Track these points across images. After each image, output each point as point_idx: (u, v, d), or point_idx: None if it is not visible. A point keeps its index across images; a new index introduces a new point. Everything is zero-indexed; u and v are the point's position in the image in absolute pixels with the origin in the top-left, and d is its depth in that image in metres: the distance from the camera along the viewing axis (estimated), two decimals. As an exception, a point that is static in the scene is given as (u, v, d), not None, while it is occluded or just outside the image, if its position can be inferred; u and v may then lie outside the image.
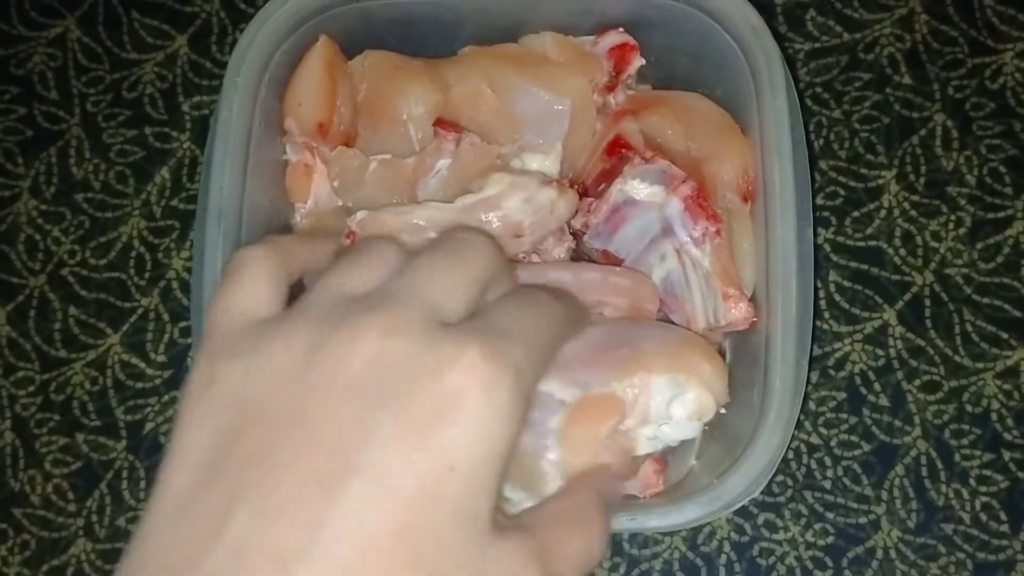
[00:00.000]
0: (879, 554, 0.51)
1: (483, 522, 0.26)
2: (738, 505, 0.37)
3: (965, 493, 0.52)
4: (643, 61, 0.48)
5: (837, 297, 0.55)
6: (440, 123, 0.47)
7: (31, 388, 0.56)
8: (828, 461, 0.53)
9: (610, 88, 0.49)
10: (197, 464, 0.26)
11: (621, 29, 0.47)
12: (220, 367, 0.28)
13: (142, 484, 0.55)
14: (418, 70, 0.48)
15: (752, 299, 0.42)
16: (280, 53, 0.46)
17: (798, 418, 0.39)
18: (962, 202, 0.55)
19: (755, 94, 0.41)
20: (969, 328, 0.54)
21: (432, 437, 0.25)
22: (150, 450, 0.55)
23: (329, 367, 0.26)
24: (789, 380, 0.38)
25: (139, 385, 0.56)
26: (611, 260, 0.46)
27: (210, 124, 0.45)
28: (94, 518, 0.54)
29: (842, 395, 0.53)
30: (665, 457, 0.42)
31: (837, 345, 0.54)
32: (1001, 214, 0.55)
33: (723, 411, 0.44)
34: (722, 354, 0.45)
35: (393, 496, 0.25)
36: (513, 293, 0.32)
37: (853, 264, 0.55)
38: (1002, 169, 0.56)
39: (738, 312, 0.40)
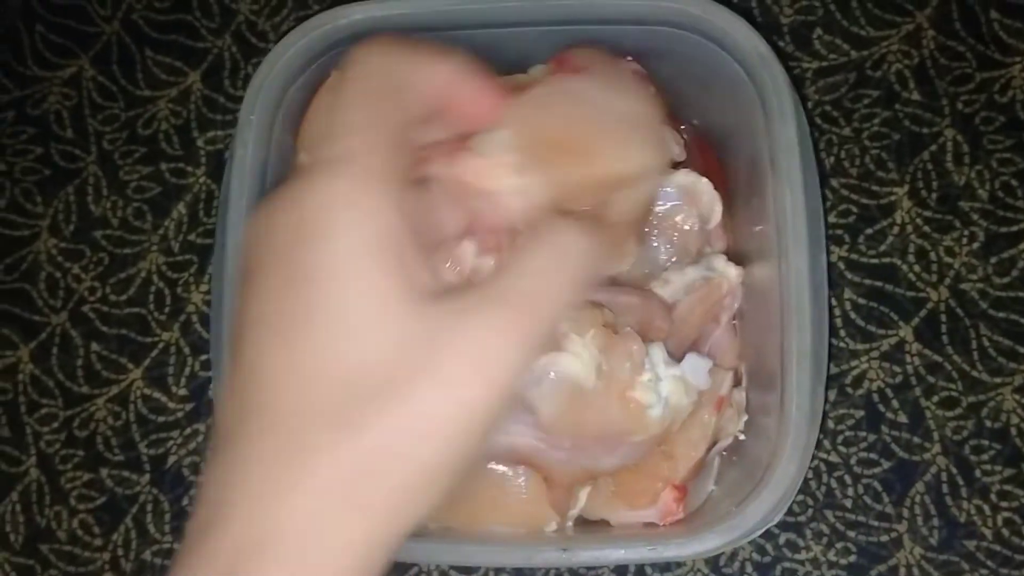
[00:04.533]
0: (902, 572, 0.51)
1: None
2: (758, 533, 0.38)
3: (987, 509, 0.52)
4: (651, 90, 0.49)
5: (853, 315, 0.55)
6: (450, 157, 0.47)
7: (55, 424, 0.57)
8: (848, 480, 0.53)
9: (620, 116, 0.49)
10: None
11: (629, 58, 0.47)
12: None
13: (167, 517, 0.55)
14: (429, 104, 0.48)
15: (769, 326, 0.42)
16: (294, 89, 0.47)
17: (816, 438, 0.39)
18: (975, 217, 0.55)
19: (765, 122, 0.41)
20: (986, 343, 0.54)
21: None
22: (173, 483, 0.56)
23: None
24: (805, 407, 0.38)
25: (161, 419, 0.56)
26: (617, 282, 0.46)
27: (226, 161, 0.45)
28: (120, 552, 0.55)
29: (860, 413, 0.53)
30: (686, 484, 0.42)
31: (854, 363, 0.54)
32: (1014, 228, 0.55)
33: (742, 436, 0.44)
34: (739, 379, 0.45)
35: None
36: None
37: (868, 281, 0.55)
38: (1014, 183, 0.56)
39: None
